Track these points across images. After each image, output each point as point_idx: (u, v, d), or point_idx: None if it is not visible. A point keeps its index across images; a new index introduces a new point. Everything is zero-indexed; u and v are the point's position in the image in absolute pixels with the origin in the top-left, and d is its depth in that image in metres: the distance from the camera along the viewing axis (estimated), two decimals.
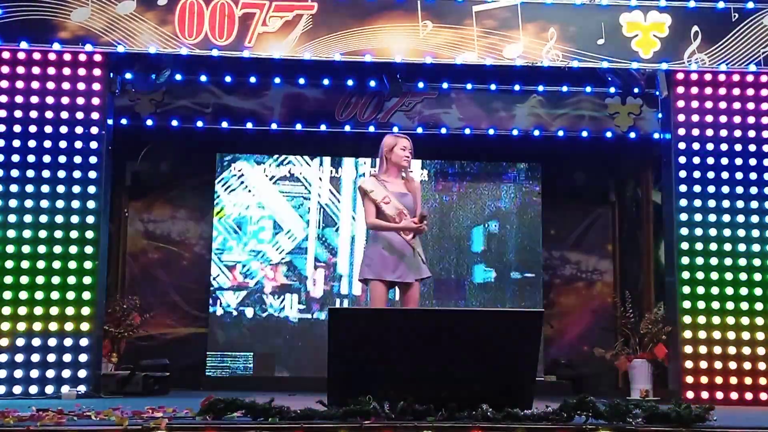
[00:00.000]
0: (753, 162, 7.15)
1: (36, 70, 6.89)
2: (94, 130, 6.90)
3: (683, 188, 7.12)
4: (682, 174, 7.14)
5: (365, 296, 8.64)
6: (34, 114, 6.85)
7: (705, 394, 6.80)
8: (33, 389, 6.51)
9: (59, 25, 6.82)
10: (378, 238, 5.64)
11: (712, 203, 7.10)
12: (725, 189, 7.11)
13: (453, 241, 9.27)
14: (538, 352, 4.91)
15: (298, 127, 8.59)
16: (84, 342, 6.64)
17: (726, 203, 7.10)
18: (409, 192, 5.74)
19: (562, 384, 8.60)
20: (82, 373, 6.60)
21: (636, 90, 7.78)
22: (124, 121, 8.27)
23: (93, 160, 6.85)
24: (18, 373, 6.53)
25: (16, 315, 6.59)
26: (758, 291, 6.97)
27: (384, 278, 5.56)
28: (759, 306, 6.95)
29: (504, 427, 4.14)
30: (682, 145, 7.18)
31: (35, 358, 6.55)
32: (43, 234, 6.70)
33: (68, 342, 6.62)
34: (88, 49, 6.83)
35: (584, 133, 8.68)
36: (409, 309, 5.50)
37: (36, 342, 6.58)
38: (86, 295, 6.69)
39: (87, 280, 6.71)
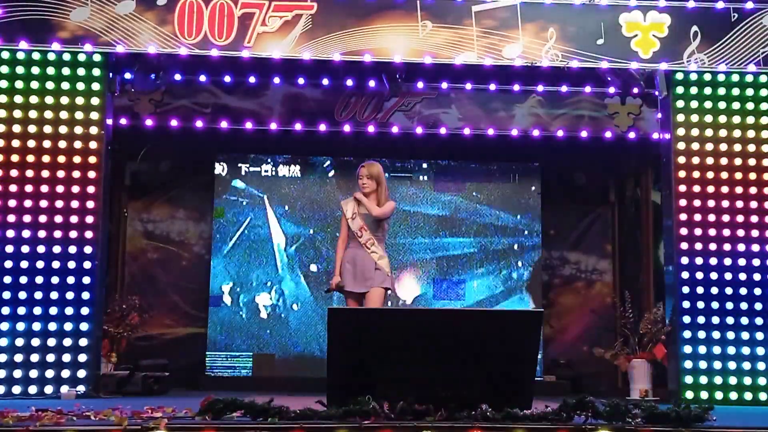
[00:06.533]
0: (752, 162, 7.15)
1: (35, 70, 6.88)
2: (94, 130, 6.89)
3: (683, 188, 7.11)
4: (682, 174, 7.13)
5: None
6: (33, 114, 6.84)
7: (704, 394, 6.80)
8: (32, 389, 6.50)
9: (59, 25, 6.82)
10: (347, 252, 6.37)
11: (711, 203, 7.09)
12: (725, 189, 7.11)
13: (452, 240, 9.27)
14: (538, 352, 4.92)
15: (298, 127, 8.58)
16: (83, 342, 6.63)
17: (726, 203, 7.09)
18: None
19: (561, 384, 8.60)
20: (81, 373, 6.60)
21: (635, 90, 7.78)
22: (123, 121, 8.25)
23: (92, 160, 6.85)
24: (17, 373, 6.52)
25: (16, 315, 6.58)
26: (758, 291, 6.96)
27: (346, 288, 6.30)
28: (758, 306, 6.94)
29: (504, 427, 4.14)
30: (681, 145, 7.18)
31: (34, 358, 6.54)
32: (42, 234, 6.70)
33: (67, 342, 6.61)
34: (88, 48, 6.83)
35: (584, 133, 8.66)
36: (409, 309, 5.54)
37: (35, 342, 6.57)
38: (85, 295, 6.68)
39: (86, 280, 6.70)
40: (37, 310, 6.61)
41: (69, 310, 6.64)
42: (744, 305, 6.95)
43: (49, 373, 6.56)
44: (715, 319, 6.94)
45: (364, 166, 6.48)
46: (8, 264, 6.64)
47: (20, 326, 6.58)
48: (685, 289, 6.99)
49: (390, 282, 6.39)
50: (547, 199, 9.37)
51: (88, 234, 6.76)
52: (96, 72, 6.95)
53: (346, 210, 6.44)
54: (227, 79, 8.18)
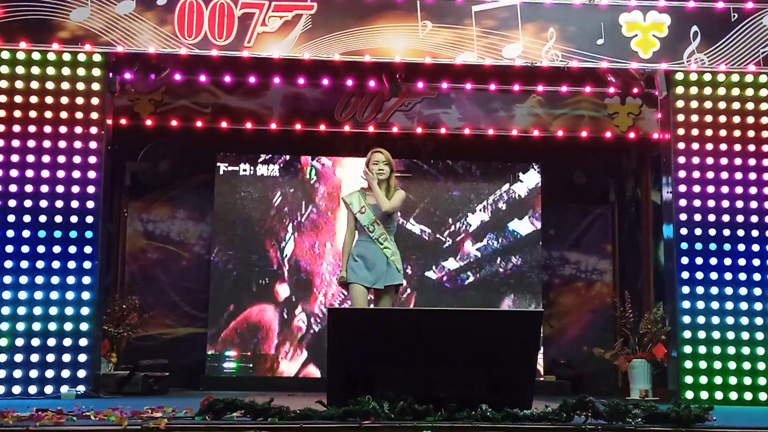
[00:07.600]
0: (753, 162, 7.14)
1: (35, 69, 6.87)
2: (94, 130, 6.89)
3: (683, 188, 7.11)
4: (682, 174, 7.13)
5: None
6: (33, 114, 6.83)
7: (704, 394, 6.80)
8: (32, 389, 6.50)
9: (58, 25, 6.82)
10: (356, 246, 6.04)
11: (712, 203, 7.09)
12: (725, 189, 7.10)
13: (452, 240, 9.26)
14: (538, 352, 4.92)
15: (298, 127, 8.58)
16: (83, 342, 6.62)
17: (726, 203, 7.09)
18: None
19: (561, 384, 8.59)
20: (81, 373, 6.59)
21: (635, 90, 7.78)
22: (123, 121, 8.26)
23: (92, 160, 6.84)
24: (17, 373, 6.51)
25: (16, 315, 6.58)
26: (758, 291, 6.96)
27: (359, 283, 5.92)
28: (758, 306, 6.94)
29: (504, 427, 4.14)
30: (681, 145, 7.18)
31: (34, 358, 6.54)
32: (42, 234, 6.69)
33: (67, 342, 6.60)
34: (88, 49, 6.83)
35: (584, 133, 8.67)
36: (409, 309, 5.53)
37: (35, 342, 6.57)
38: (85, 295, 6.68)
39: (86, 280, 6.70)
40: (38, 310, 6.61)
41: (69, 310, 6.64)
42: (744, 305, 6.95)
43: (49, 373, 6.55)
44: (715, 319, 6.94)
45: (379, 151, 6.08)
46: (8, 264, 6.64)
47: (20, 326, 6.57)
48: (685, 289, 6.99)
49: (402, 279, 6.06)
50: (547, 199, 9.37)
51: (88, 234, 6.75)
52: (96, 72, 6.95)
53: (352, 204, 6.06)
54: (227, 79, 8.17)
